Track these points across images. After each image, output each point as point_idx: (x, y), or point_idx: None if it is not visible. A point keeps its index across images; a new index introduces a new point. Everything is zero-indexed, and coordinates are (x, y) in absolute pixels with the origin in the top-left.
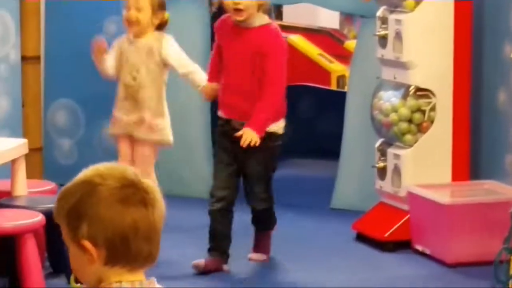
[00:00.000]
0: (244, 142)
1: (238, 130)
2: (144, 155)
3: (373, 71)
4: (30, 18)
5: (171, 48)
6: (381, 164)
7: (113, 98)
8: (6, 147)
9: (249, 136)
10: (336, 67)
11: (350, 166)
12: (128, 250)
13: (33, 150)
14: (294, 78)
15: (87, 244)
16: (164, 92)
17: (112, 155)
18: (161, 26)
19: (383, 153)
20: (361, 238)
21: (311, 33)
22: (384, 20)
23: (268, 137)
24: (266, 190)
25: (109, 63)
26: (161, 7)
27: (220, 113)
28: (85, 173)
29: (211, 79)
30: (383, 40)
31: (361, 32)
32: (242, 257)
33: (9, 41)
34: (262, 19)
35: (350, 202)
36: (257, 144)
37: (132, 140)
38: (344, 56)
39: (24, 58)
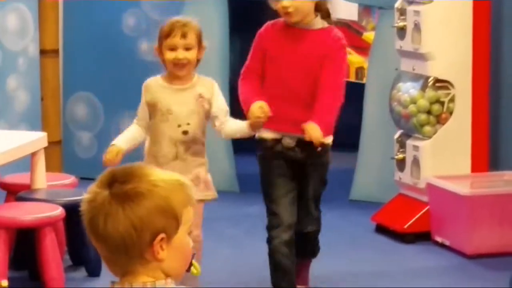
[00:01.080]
0: (310, 137)
1: (293, 148)
2: (199, 217)
3: (391, 62)
4: (49, 12)
5: (219, 98)
6: (400, 156)
7: (132, 90)
8: (26, 140)
9: (315, 132)
10: (354, 59)
11: (369, 157)
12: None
13: (53, 143)
14: None
15: (159, 245)
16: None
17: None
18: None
19: (402, 145)
20: (381, 229)
21: None
22: (402, 12)
23: (325, 150)
24: (319, 209)
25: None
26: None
27: (265, 134)
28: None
29: (254, 96)
30: (401, 31)
31: (379, 23)
32: None
33: (27, 34)
34: (322, 23)
35: (369, 194)
36: (320, 142)
37: None
38: (362, 48)
39: (42, 52)
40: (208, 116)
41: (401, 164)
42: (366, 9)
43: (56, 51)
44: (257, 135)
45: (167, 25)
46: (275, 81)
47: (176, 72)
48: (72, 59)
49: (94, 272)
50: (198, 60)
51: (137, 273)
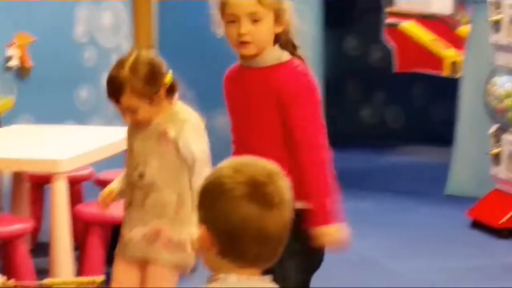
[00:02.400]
0: (331, 244)
1: None
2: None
3: (486, 56)
4: (143, 9)
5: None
6: (496, 150)
7: None
8: (121, 136)
9: (333, 236)
10: (449, 53)
11: (464, 152)
12: (234, 246)
13: None
14: (407, 65)
15: (202, 229)
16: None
17: (227, 144)
18: (171, 92)
19: (497, 139)
20: (477, 225)
21: (424, 19)
22: (497, 5)
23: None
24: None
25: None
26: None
27: None
28: (222, 163)
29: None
30: (496, 25)
31: (474, 17)
32: None
33: (121, 31)
34: (279, 55)
35: (465, 189)
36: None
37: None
38: (457, 42)
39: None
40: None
41: (496, 158)
42: (460, 3)
43: (150, 48)
44: None
45: None
46: (237, 140)
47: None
48: (166, 55)
49: None
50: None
51: None
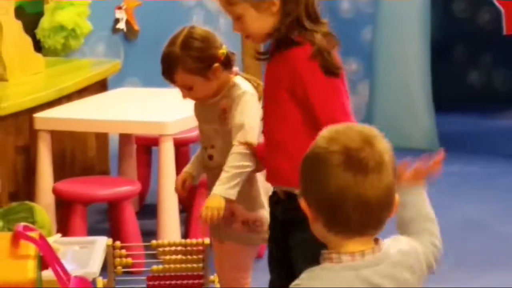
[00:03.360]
0: None
1: (283, 200)
2: (240, 258)
3: None
4: None
5: (240, 110)
6: None
7: None
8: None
9: None
10: None
11: None
12: (336, 218)
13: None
14: None
15: (302, 202)
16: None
17: None
18: (227, 65)
19: None
20: None
21: None
22: None
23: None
24: None
25: None
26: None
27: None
28: (321, 133)
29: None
30: None
31: None
32: None
33: None
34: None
35: None
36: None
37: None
38: None
39: None
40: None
41: None
42: None
43: None
44: None
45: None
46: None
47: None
48: None
49: None
50: (224, 64)
51: None
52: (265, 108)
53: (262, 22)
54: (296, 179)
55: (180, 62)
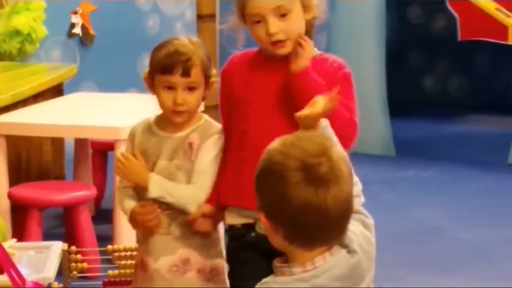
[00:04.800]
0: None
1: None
2: None
3: None
4: None
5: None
6: None
7: None
8: None
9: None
10: None
11: None
12: (298, 232)
13: (210, 107)
14: (470, 34)
15: (261, 217)
16: None
17: None
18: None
19: None
20: None
21: None
22: None
23: None
24: None
25: None
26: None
27: (231, 217)
28: (271, 146)
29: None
30: None
31: None
32: None
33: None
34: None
35: None
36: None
37: None
38: None
39: (199, 17)
40: None
41: None
42: None
43: (213, 16)
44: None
45: (163, 54)
46: (242, 137)
47: (173, 119)
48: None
49: None
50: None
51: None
52: (264, 119)
53: (302, 23)
54: None
55: (201, 57)
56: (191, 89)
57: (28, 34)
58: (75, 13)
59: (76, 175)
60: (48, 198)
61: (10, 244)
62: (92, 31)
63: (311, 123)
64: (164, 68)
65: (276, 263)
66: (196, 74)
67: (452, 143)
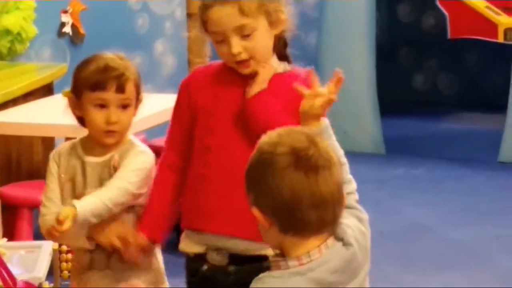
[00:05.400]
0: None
1: (224, 267)
2: None
3: None
4: None
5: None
6: None
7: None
8: (172, 104)
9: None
10: (503, 20)
11: None
12: (293, 219)
13: None
14: (460, 32)
15: (255, 212)
16: None
17: None
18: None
19: None
20: None
21: None
22: None
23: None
24: None
25: None
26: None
27: (184, 244)
28: (260, 141)
29: (155, 203)
30: None
31: None
32: None
33: None
34: (283, 65)
35: None
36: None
37: None
38: (510, 9)
39: (189, 15)
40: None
41: None
42: None
43: None
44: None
45: (93, 69)
46: (205, 153)
47: (104, 140)
48: None
49: None
50: None
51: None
52: (228, 132)
53: (269, 40)
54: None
55: (134, 73)
56: (124, 106)
57: (18, 34)
58: (65, 12)
59: None
60: (39, 198)
61: (1, 244)
62: (82, 30)
63: (316, 114)
64: (96, 84)
65: (272, 258)
66: (130, 90)
67: (442, 141)
